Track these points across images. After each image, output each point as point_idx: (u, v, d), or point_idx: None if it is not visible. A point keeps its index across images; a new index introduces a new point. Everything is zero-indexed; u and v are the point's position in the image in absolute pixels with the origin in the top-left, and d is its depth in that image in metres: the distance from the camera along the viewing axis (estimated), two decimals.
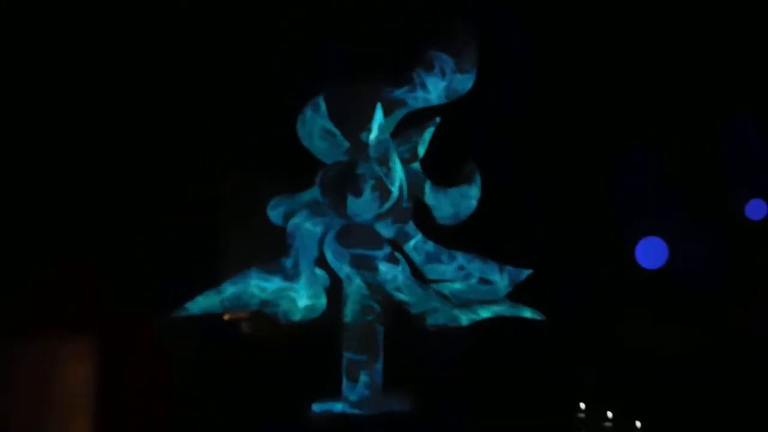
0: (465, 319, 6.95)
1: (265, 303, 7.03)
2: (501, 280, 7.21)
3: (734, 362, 7.77)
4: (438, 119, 7.25)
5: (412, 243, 7.32)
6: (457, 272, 7.24)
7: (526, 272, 7.28)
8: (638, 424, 7.08)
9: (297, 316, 7.08)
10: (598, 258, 8.19)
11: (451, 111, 7.15)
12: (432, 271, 7.27)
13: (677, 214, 8.31)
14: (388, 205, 7.04)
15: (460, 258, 7.27)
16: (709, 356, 7.84)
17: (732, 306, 8.14)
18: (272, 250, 7.11)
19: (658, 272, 8.50)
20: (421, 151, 7.36)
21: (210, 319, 6.96)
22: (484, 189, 7.32)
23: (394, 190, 7.00)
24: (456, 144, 7.48)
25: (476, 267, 7.24)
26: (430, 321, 6.93)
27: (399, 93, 7.05)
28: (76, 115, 7.52)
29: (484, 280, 7.21)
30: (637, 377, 7.73)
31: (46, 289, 6.95)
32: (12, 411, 6.69)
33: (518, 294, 7.17)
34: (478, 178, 7.34)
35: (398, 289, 7.00)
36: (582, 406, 7.43)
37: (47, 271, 6.99)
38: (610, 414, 7.28)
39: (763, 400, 7.16)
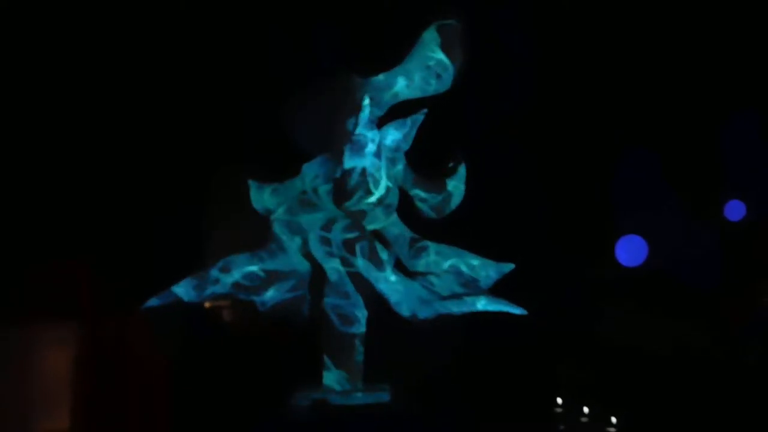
0: (448, 311, 6.96)
1: (246, 292, 7.00)
2: (485, 274, 7.22)
3: (714, 358, 7.86)
4: (425, 111, 7.22)
5: (396, 235, 7.30)
6: (440, 265, 7.23)
7: (509, 266, 7.30)
8: (614, 419, 7.15)
9: (279, 306, 7.06)
10: (583, 254, 8.24)
11: (440, 103, 7.14)
12: (416, 263, 7.25)
13: (661, 213, 8.38)
14: (373, 196, 7.02)
15: (444, 251, 7.26)
16: (686, 353, 7.93)
17: (714, 303, 8.22)
18: (258, 240, 7.08)
19: (641, 270, 8.58)
20: (407, 142, 7.34)
21: (190, 308, 6.91)
22: (471, 183, 7.32)
23: (380, 182, 6.98)
24: (442, 137, 7.47)
25: (460, 260, 7.23)
26: (413, 313, 6.93)
27: (386, 84, 7.05)
28: (63, 111, 7.43)
29: (468, 274, 7.21)
30: (613, 373, 7.80)
31: (33, 281, 6.88)
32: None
33: (502, 288, 7.19)
34: (463, 171, 7.34)
35: (381, 280, 7.00)
36: (559, 400, 7.50)
37: (35, 264, 6.92)
38: (586, 409, 7.35)
39: (743, 394, 7.27)
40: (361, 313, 7.20)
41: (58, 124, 7.47)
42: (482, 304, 7.08)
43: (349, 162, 6.91)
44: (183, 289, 6.77)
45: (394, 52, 7.04)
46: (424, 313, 6.96)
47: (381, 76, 7.00)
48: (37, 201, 7.28)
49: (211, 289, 6.86)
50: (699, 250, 8.20)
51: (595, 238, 8.45)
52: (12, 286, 6.90)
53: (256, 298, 7.02)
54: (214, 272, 6.86)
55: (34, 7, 7.33)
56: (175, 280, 6.73)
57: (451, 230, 7.34)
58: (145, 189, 7.54)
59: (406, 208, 7.33)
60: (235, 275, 6.90)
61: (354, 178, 6.92)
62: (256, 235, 7.16)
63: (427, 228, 7.33)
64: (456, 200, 7.32)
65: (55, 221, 7.26)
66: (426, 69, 7.02)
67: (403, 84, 7.03)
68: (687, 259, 8.14)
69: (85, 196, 7.41)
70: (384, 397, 7.08)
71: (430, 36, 7.00)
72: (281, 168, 7.26)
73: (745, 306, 8.17)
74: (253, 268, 6.97)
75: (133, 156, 7.56)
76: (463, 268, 7.24)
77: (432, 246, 7.28)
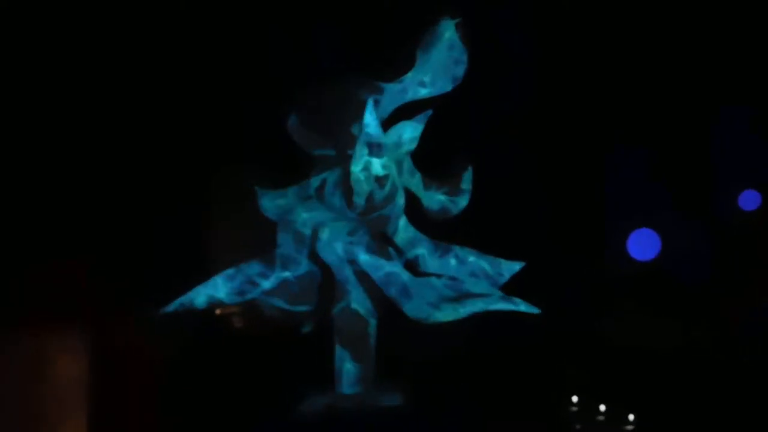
0: (458, 312, 6.89)
1: (255, 297, 7.00)
2: (495, 273, 7.18)
3: (727, 355, 7.78)
4: (430, 111, 7.14)
5: (404, 236, 7.26)
6: (450, 266, 7.19)
7: (519, 265, 7.24)
8: (631, 417, 7.08)
9: (287, 311, 7.07)
10: (591, 251, 8.18)
11: (445, 104, 7.09)
12: (424, 264, 7.22)
13: (669, 207, 8.31)
14: (380, 199, 6.98)
15: (454, 251, 7.22)
16: (702, 349, 7.85)
17: (725, 299, 8.14)
18: (264, 245, 7.07)
19: (653, 265, 8.50)
20: (413, 143, 7.26)
21: (199, 313, 6.92)
22: (477, 182, 7.27)
23: (387, 184, 6.95)
24: (448, 137, 7.42)
25: (470, 260, 7.20)
26: (423, 315, 6.88)
27: (391, 85, 7.00)
28: (61, 110, 7.43)
29: (477, 274, 7.17)
30: (630, 370, 7.73)
31: (34, 284, 6.88)
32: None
33: (511, 287, 7.13)
34: (469, 173, 7.29)
35: (390, 282, 6.95)
36: (575, 399, 7.44)
37: (35, 266, 6.93)
38: (603, 407, 7.29)
39: (756, 393, 7.18)
40: (374, 317, 7.19)
41: (59, 125, 7.46)
42: (494, 303, 6.97)
43: (354, 165, 6.87)
44: (224, 294, 6.82)
45: (395, 53, 7.00)
46: (434, 315, 6.88)
47: (408, 76, 6.97)
48: (39, 202, 7.29)
49: (251, 294, 6.90)
50: (708, 247, 8.13)
51: (604, 236, 8.38)
52: (11, 287, 6.90)
53: (263, 303, 7.06)
54: (256, 277, 6.90)
55: (33, 6, 7.33)
56: (177, 281, 6.75)
57: (459, 230, 7.30)
58: (145, 189, 7.51)
59: (413, 209, 7.29)
60: (273, 281, 6.94)
61: (360, 181, 6.88)
62: (264, 239, 7.16)
63: (435, 228, 7.30)
64: (463, 201, 7.28)
65: (56, 222, 7.27)
66: (447, 68, 6.98)
67: (428, 84, 7.01)
68: (697, 256, 8.08)
69: (85, 197, 7.40)
70: (395, 400, 7.07)
71: (450, 34, 6.95)
72: (290, 171, 7.25)
73: (753, 304, 8.07)
74: (261, 273, 6.97)
75: (133, 157, 7.53)
76: (474, 268, 7.21)
77: (440, 246, 7.26)
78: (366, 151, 6.81)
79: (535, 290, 6.99)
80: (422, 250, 7.20)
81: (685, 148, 8.37)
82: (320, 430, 6.96)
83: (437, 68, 6.99)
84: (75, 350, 6.90)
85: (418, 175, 7.27)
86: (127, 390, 6.93)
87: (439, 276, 7.07)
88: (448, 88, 7.07)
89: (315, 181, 7.05)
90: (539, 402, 7.24)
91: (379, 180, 6.94)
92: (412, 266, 7.16)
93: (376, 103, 6.86)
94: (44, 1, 7.34)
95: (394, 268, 6.97)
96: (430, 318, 6.82)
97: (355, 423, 6.90)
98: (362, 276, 7.03)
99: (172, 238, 7.29)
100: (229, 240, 7.39)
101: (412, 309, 6.82)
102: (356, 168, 6.85)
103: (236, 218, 7.40)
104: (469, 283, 7.03)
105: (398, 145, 7.08)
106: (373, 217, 7.06)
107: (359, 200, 6.90)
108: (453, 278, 7.06)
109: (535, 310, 6.91)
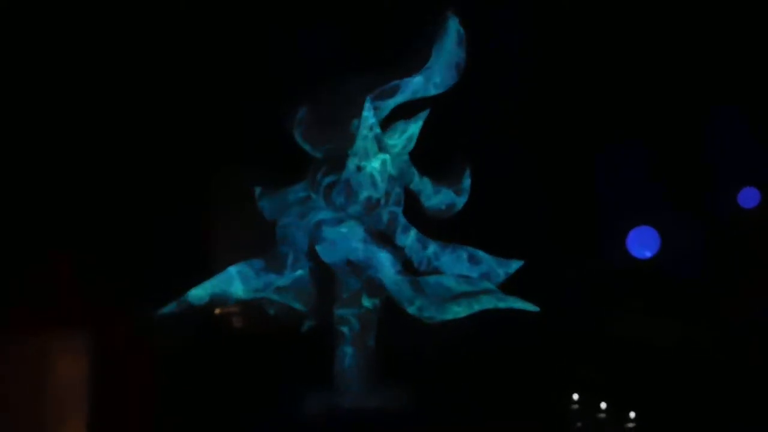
0: (458, 311, 6.90)
1: (255, 297, 7.01)
2: (494, 271, 7.18)
3: (726, 353, 7.78)
4: (428, 110, 7.14)
5: (403, 235, 7.26)
6: (449, 264, 7.19)
7: (518, 263, 7.25)
8: (632, 414, 7.07)
9: (290, 309, 7.07)
10: (591, 249, 8.19)
11: (444, 103, 7.10)
12: (424, 263, 7.22)
13: (669, 205, 8.32)
14: (379, 197, 6.98)
15: (463, 249, 7.22)
16: (702, 347, 7.85)
17: (724, 296, 8.13)
18: (263, 244, 7.08)
19: (652, 263, 8.50)
20: (412, 142, 7.27)
21: (200, 313, 6.93)
22: (477, 181, 7.28)
23: (386, 183, 6.96)
24: (447, 136, 7.44)
25: (479, 258, 7.20)
26: (424, 314, 6.88)
27: (390, 84, 7.02)
28: (61, 109, 7.44)
29: (487, 272, 7.17)
30: (631, 368, 7.72)
31: (32, 284, 6.88)
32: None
33: (511, 286, 7.13)
34: (468, 172, 7.30)
35: (391, 281, 6.95)
36: (576, 397, 7.44)
37: (34, 265, 6.93)
38: (603, 405, 7.28)
39: (755, 390, 7.18)
40: (376, 317, 7.19)
41: (60, 126, 7.47)
42: (494, 302, 6.98)
43: (353, 164, 6.87)
44: (242, 291, 6.85)
45: (398, 52, 7.03)
46: (434, 314, 6.89)
47: (419, 77, 6.98)
48: (40, 203, 7.30)
49: (262, 293, 6.93)
50: (707, 245, 8.13)
51: (604, 234, 8.38)
52: (11, 287, 6.89)
53: (264, 303, 7.07)
54: (264, 275, 6.90)
55: (34, 6, 7.36)
56: (176, 282, 6.77)
57: (459, 229, 7.31)
58: (145, 189, 7.52)
59: (412, 208, 7.30)
60: (277, 280, 6.97)
61: (359, 180, 6.89)
62: (263, 239, 7.17)
63: (435, 227, 7.31)
64: (462, 200, 7.31)
65: (57, 222, 7.28)
66: (454, 66, 7.03)
67: (439, 85, 7.04)
68: (696, 254, 8.08)
69: (86, 197, 7.41)
70: (396, 399, 7.06)
71: (455, 33, 6.97)
72: (290, 171, 7.26)
73: (752, 302, 8.05)
74: (261, 272, 6.98)
75: (133, 157, 7.55)
76: (473, 266, 7.21)
77: (440, 245, 7.26)
78: (376, 148, 6.82)
79: (535, 289, 6.98)
80: (433, 249, 7.21)
81: (685, 147, 8.37)
82: (320, 430, 6.94)
83: (446, 67, 7.02)
84: (75, 350, 6.87)
85: (425, 177, 7.28)
86: (127, 390, 6.91)
87: (450, 274, 7.07)
88: (450, 86, 7.09)
89: (323, 180, 7.03)
90: (539, 401, 7.21)
91: (393, 178, 6.95)
92: (424, 264, 7.17)
93: (382, 103, 6.89)
94: (45, 1, 7.36)
95: (408, 266, 6.99)
96: (443, 315, 6.83)
97: (355, 423, 6.88)
98: (366, 275, 7.02)
99: (173, 237, 7.30)
100: (230, 240, 7.40)
101: (425, 306, 6.82)
102: (374, 165, 6.85)
103: (237, 218, 7.41)
104: (479, 281, 7.04)
105: (405, 146, 7.09)
106: (384, 215, 7.08)
107: (377, 195, 6.90)
108: (464, 276, 7.07)
109: (533, 308, 6.91)
